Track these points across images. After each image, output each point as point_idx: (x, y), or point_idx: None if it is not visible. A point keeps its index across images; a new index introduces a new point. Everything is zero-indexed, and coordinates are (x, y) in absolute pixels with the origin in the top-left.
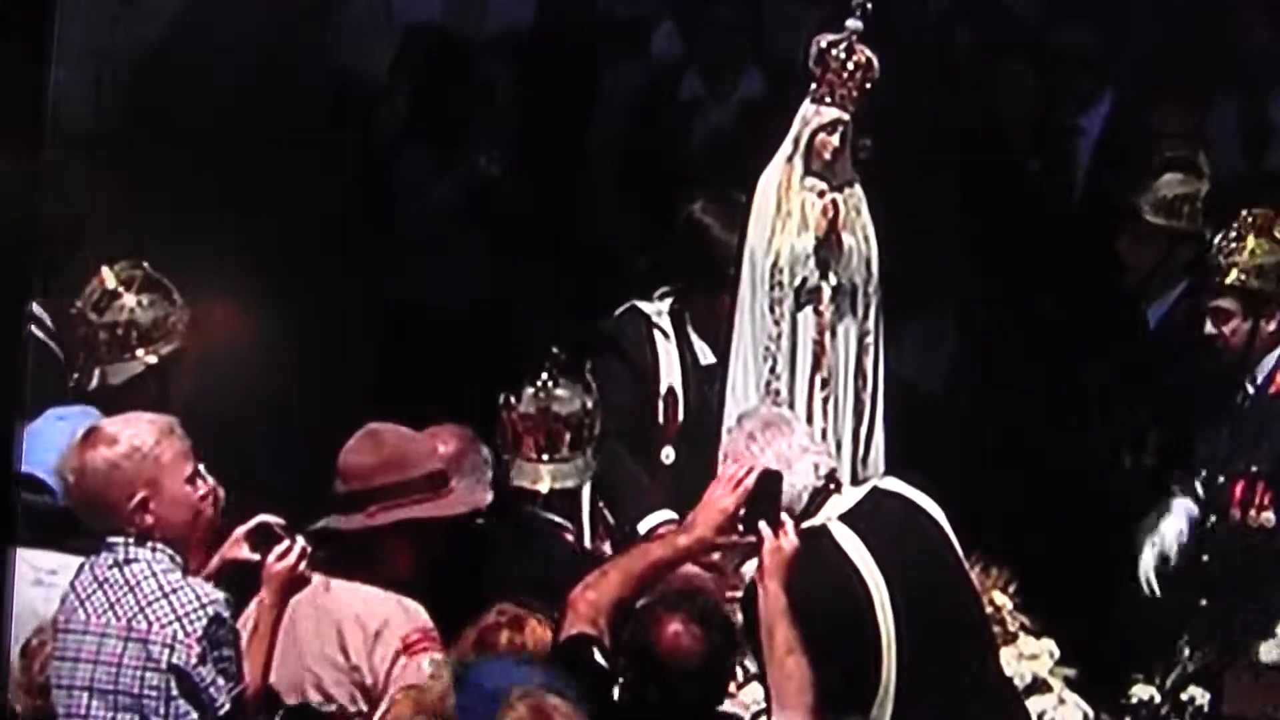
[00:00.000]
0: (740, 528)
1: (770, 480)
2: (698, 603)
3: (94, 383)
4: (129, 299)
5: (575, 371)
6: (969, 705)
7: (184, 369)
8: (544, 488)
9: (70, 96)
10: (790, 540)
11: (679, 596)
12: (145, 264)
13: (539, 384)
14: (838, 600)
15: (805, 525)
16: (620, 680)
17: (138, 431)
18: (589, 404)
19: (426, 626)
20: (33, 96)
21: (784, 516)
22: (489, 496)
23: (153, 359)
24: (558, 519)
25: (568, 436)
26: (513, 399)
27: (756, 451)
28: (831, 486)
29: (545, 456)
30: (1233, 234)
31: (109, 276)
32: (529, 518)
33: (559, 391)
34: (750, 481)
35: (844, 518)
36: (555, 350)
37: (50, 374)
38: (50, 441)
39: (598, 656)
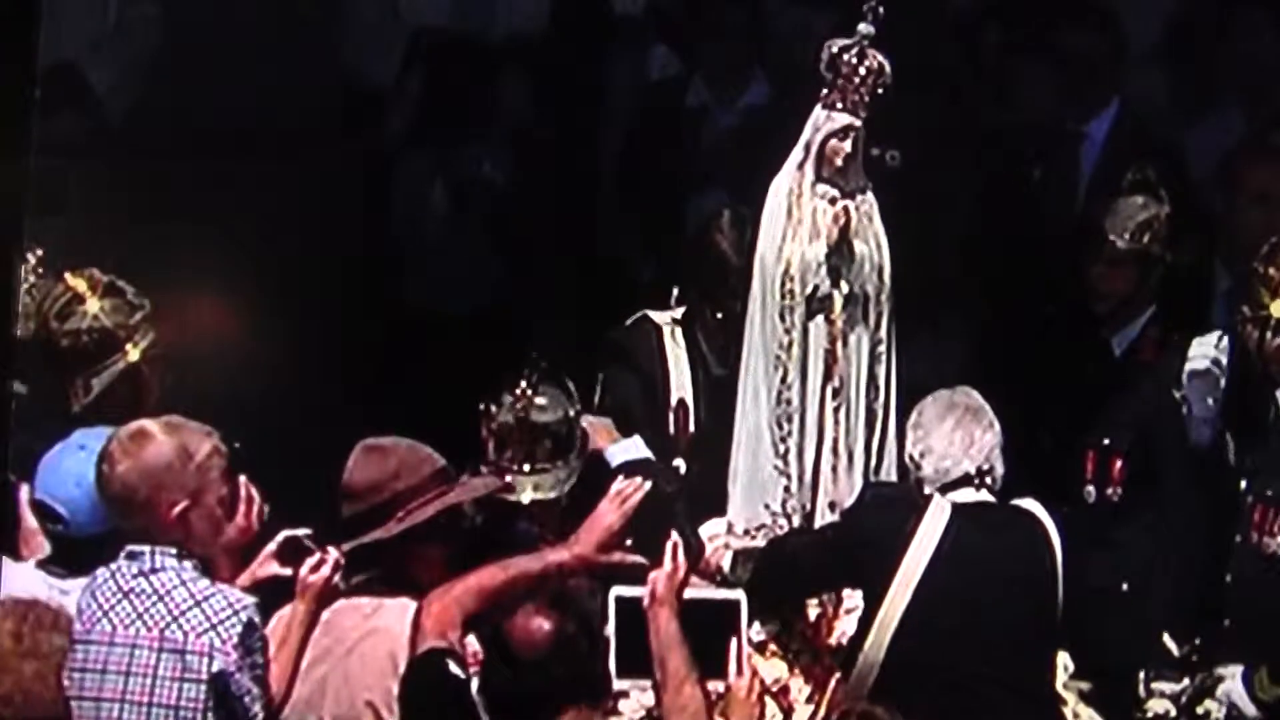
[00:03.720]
0: (627, 546)
1: (660, 499)
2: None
3: (83, 399)
4: (92, 304)
5: (556, 379)
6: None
7: (164, 370)
8: (525, 499)
9: (65, 97)
10: (681, 564)
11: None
12: (95, 270)
13: (517, 392)
14: (871, 545)
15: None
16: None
17: (192, 439)
18: (570, 412)
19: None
20: (20, 99)
21: (674, 537)
22: (494, 483)
23: (134, 356)
24: (542, 532)
25: (548, 446)
26: (492, 408)
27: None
28: (977, 482)
29: (525, 467)
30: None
31: (74, 281)
32: (511, 532)
33: (539, 400)
34: (636, 499)
35: (957, 505)
36: (535, 356)
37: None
38: (69, 470)
39: (453, 668)
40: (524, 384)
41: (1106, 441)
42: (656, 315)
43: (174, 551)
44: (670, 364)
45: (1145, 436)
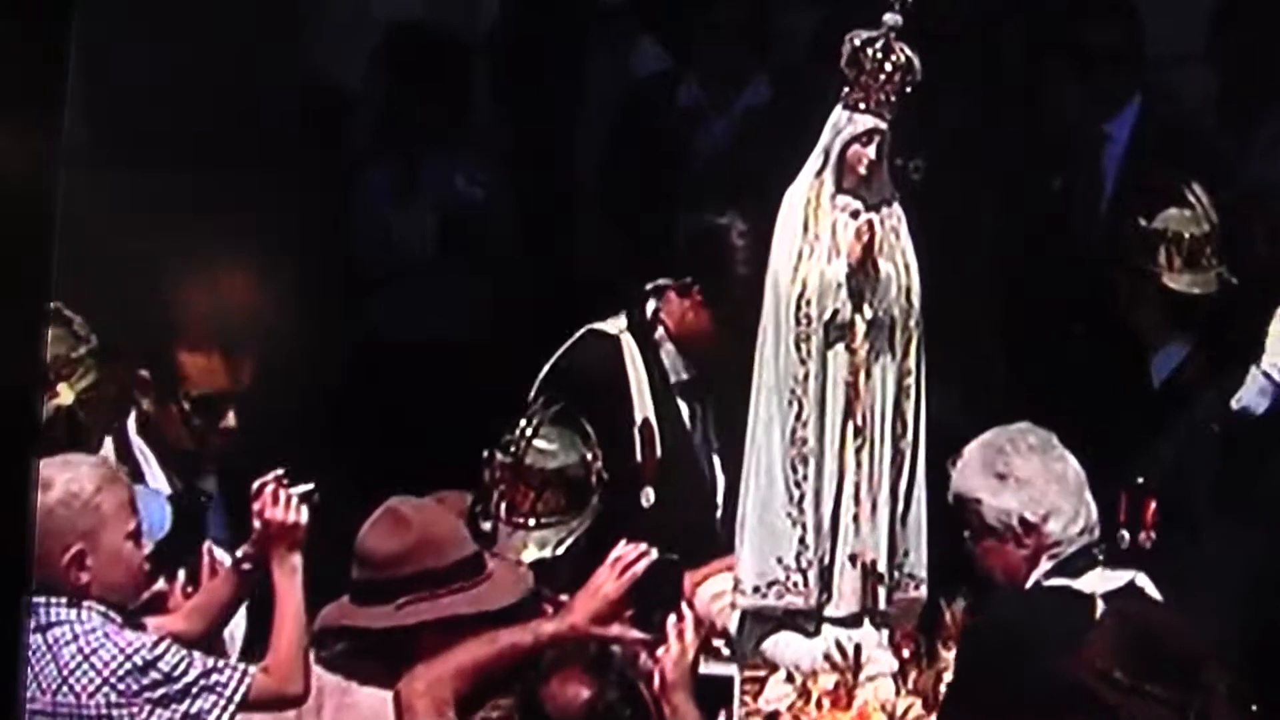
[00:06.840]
0: (627, 619)
1: (667, 568)
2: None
3: None
4: None
5: (567, 418)
6: None
7: (108, 415)
8: (528, 558)
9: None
10: (690, 643)
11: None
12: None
13: (515, 434)
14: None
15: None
16: None
17: (76, 476)
18: (586, 456)
19: None
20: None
21: (685, 612)
22: (530, 579)
23: (68, 398)
24: (542, 590)
25: (557, 496)
26: (497, 454)
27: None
28: (1095, 551)
29: (530, 521)
30: None
31: None
32: None
33: (540, 443)
34: (640, 567)
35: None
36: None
37: None
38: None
39: None
40: (523, 423)
41: (1140, 481)
42: (604, 326)
43: (65, 601)
44: (631, 383)
45: (1179, 474)
